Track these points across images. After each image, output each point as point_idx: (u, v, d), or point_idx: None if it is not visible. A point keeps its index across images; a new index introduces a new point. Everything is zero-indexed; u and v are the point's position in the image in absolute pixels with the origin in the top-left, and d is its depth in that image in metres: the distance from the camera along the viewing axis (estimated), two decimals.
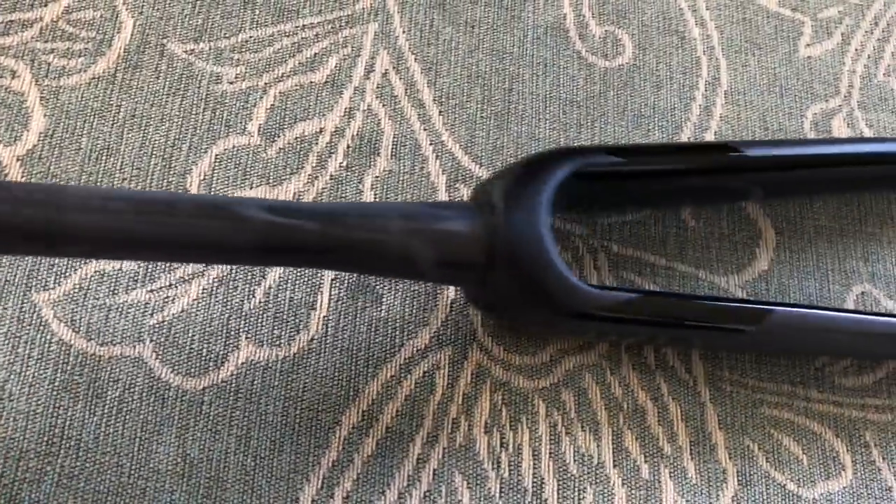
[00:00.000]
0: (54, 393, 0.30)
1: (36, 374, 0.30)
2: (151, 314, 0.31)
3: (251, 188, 0.33)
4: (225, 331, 0.31)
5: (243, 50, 0.35)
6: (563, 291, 0.28)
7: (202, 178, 0.33)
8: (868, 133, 0.38)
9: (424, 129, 0.35)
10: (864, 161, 0.35)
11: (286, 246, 0.26)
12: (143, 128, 0.33)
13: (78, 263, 0.31)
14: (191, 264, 0.32)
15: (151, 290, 0.31)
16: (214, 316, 0.31)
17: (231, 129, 0.34)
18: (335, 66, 0.36)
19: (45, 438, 0.29)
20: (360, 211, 0.27)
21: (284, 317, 0.32)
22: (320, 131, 0.35)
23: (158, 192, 0.27)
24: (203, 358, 0.31)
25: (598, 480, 0.31)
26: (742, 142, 0.33)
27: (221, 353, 0.31)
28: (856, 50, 0.40)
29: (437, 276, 0.29)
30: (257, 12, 0.36)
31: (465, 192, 0.35)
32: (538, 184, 0.29)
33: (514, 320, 0.31)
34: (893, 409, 0.34)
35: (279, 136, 0.34)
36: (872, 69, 0.40)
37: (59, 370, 0.30)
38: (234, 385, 0.31)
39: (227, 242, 0.25)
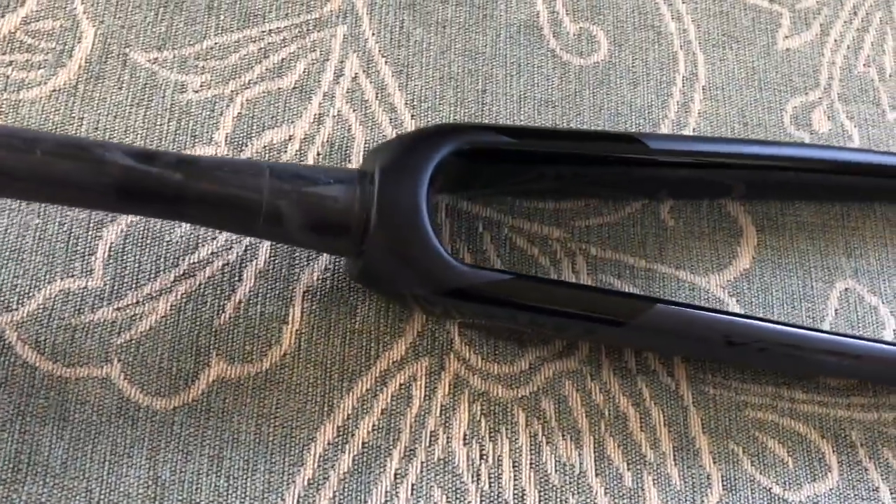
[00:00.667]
0: (20, 417, 0.29)
1: (1, 398, 0.29)
2: (119, 333, 0.30)
3: None
4: (195, 348, 0.30)
5: (208, 57, 0.34)
6: (434, 266, 0.28)
7: None
8: (849, 125, 0.38)
9: (397, 134, 0.34)
10: (768, 165, 0.34)
11: (144, 193, 0.26)
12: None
13: (42, 283, 0.30)
14: (157, 279, 0.31)
15: (118, 309, 0.31)
16: (184, 333, 0.31)
17: (197, 140, 0.33)
18: (303, 72, 0.35)
19: (11, 465, 0.28)
20: (230, 166, 0.27)
21: (256, 332, 0.31)
22: (289, 139, 0.34)
23: (26, 129, 0.27)
24: (173, 377, 0.30)
25: (580, 490, 0.30)
26: (650, 134, 0.32)
27: (192, 370, 0.30)
28: (835, 41, 0.40)
29: (309, 241, 0.28)
30: (222, 18, 0.35)
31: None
32: (419, 156, 0.29)
33: (388, 293, 0.31)
34: (880, 408, 0.33)
35: (247, 145, 0.33)
36: (852, 60, 0.39)
37: (25, 394, 0.29)
38: (205, 404, 0.30)
39: (82, 183, 0.25)
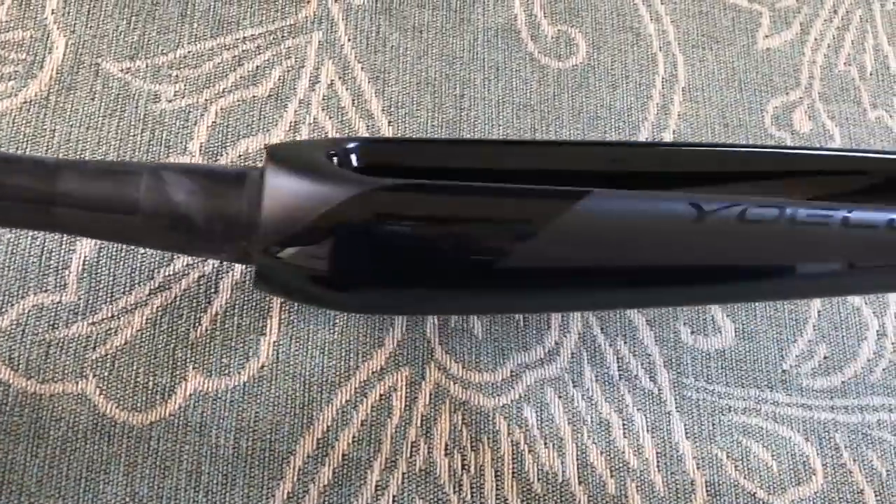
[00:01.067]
0: None
1: None
2: (94, 348, 0.30)
3: None
4: (171, 362, 0.30)
5: (182, 66, 0.34)
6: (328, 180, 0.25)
7: None
8: (830, 125, 0.38)
9: None
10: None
11: (6, 198, 0.24)
12: (78, 152, 0.32)
13: (15, 298, 0.30)
14: (132, 292, 0.31)
15: (93, 323, 0.30)
16: (160, 346, 0.30)
17: (171, 150, 0.33)
18: (278, 79, 0.34)
19: None
20: (102, 167, 0.25)
21: (233, 344, 0.31)
22: (265, 148, 0.33)
23: None
24: (149, 391, 0.30)
25: (563, 498, 0.30)
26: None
27: (168, 385, 0.30)
28: (815, 39, 0.39)
29: (192, 245, 0.25)
30: (195, 26, 0.35)
31: None
32: (311, 148, 0.27)
33: (285, 286, 0.27)
34: (864, 410, 0.33)
35: (222, 155, 0.33)
36: (833, 59, 0.39)
37: None
38: (182, 418, 0.29)
39: None
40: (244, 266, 0.31)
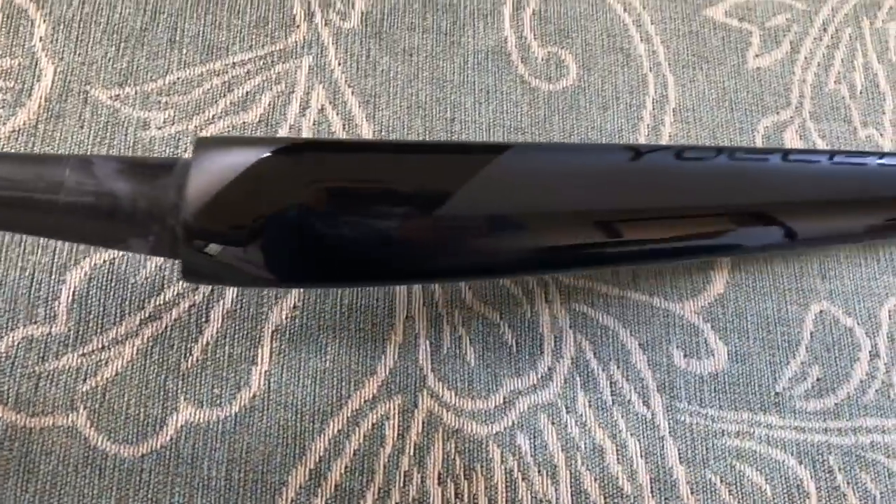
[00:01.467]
0: None
1: None
2: (84, 379, 0.30)
3: None
4: (162, 393, 0.30)
5: (171, 92, 0.34)
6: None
7: None
8: (821, 144, 0.38)
9: None
10: None
11: None
12: None
13: (4, 331, 0.30)
14: (123, 323, 0.30)
15: (83, 354, 0.30)
16: (150, 377, 0.30)
17: None
18: (268, 105, 0.34)
19: None
20: (27, 153, 0.24)
21: (224, 374, 0.30)
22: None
23: None
24: (140, 423, 0.29)
25: None
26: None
27: (159, 416, 0.30)
28: (805, 58, 0.39)
29: (114, 234, 0.24)
30: (184, 51, 0.35)
31: None
32: (239, 139, 0.27)
33: (216, 271, 0.25)
34: (857, 431, 0.33)
35: None
36: (823, 77, 0.39)
37: None
38: (174, 450, 0.29)
39: None
40: (235, 294, 0.31)
